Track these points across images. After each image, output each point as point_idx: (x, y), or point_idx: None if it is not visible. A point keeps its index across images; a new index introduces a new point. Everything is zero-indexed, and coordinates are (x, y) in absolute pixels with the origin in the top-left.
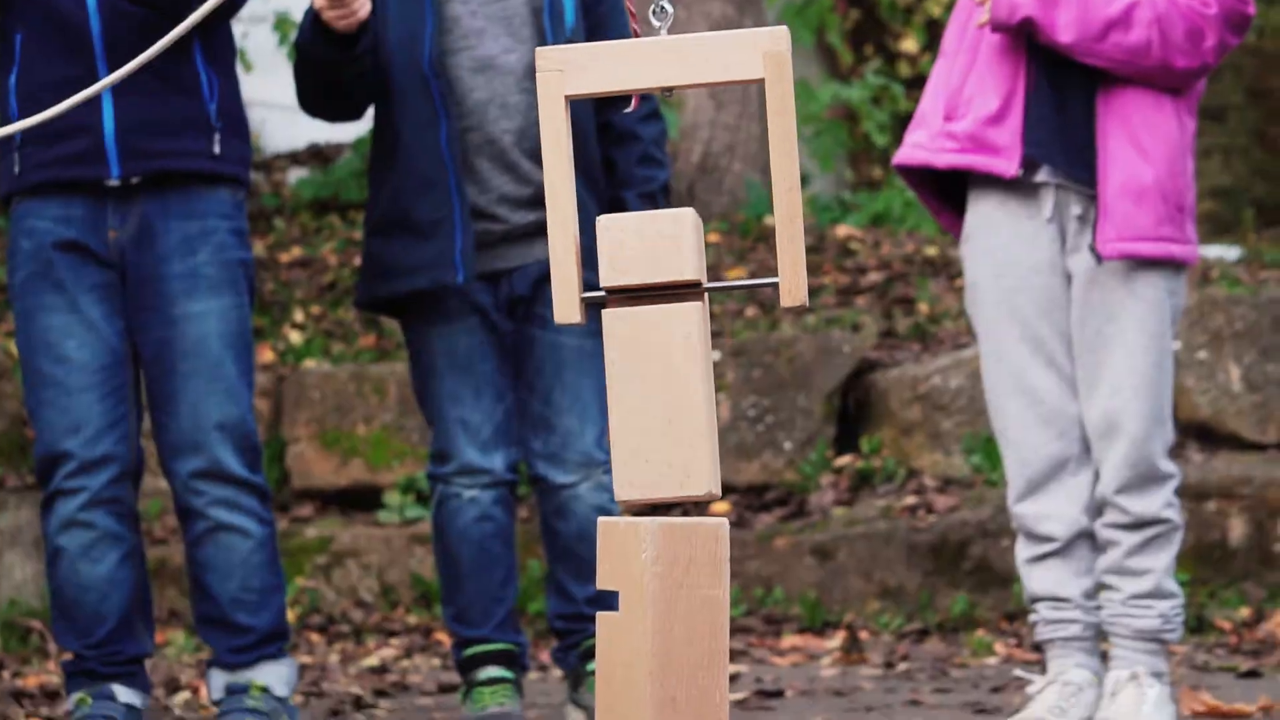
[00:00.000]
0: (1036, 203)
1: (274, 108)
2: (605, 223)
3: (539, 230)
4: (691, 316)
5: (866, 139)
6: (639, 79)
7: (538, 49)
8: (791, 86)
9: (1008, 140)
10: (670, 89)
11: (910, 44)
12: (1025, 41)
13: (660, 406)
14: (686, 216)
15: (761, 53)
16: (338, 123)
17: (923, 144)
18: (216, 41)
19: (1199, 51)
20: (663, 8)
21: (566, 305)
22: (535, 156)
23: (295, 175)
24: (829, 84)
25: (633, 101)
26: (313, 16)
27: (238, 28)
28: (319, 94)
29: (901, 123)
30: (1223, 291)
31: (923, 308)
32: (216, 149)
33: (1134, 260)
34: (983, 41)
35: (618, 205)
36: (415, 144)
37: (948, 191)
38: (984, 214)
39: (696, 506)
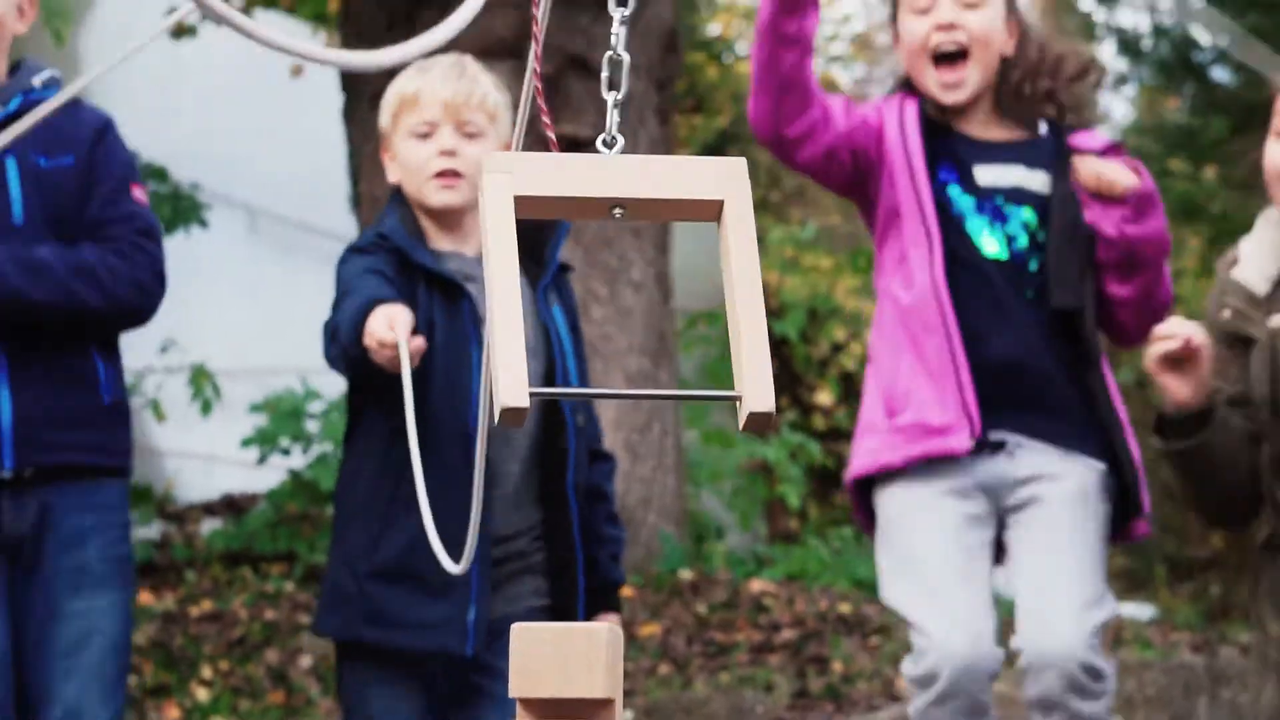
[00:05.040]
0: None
1: (189, 457)
2: (519, 631)
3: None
4: None
5: (784, 496)
6: (590, 188)
7: (484, 155)
8: (750, 211)
9: (953, 418)
10: (622, 205)
11: (825, 397)
12: (942, 320)
13: None
14: (602, 633)
15: (716, 176)
16: None
17: (875, 449)
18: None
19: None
20: (614, 137)
21: (514, 392)
22: (531, 503)
23: (208, 526)
24: (746, 441)
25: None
26: (358, 333)
27: (152, 378)
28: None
29: (818, 477)
30: (1134, 655)
31: (837, 666)
32: (108, 441)
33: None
34: (907, 338)
35: (591, 565)
36: (441, 498)
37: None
38: (914, 496)
39: None
